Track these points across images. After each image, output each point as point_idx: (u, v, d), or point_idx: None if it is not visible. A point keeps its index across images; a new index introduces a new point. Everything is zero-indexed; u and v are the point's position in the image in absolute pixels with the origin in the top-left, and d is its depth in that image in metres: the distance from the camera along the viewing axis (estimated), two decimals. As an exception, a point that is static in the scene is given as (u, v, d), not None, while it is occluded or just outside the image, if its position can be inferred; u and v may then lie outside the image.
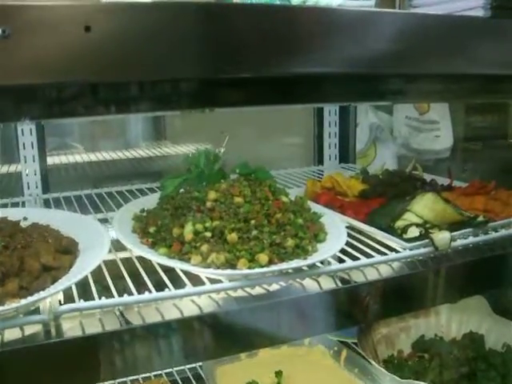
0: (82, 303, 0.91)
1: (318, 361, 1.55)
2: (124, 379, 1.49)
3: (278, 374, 1.43)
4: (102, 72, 0.72)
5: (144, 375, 1.52)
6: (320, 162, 2.05)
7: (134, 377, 1.50)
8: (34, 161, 1.64)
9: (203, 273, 1.01)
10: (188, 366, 1.64)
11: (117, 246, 1.12)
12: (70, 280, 0.92)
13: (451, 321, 1.70)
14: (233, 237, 1.04)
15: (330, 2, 0.98)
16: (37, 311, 0.90)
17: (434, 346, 1.62)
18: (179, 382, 1.61)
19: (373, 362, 1.40)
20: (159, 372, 1.56)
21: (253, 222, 1.07)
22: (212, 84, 0.84)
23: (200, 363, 1.55)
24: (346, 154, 2.06)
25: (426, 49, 0.95)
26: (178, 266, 1.02)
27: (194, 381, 1.61)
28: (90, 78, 0.72)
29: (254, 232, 1.06)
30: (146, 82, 0.77)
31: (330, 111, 2.01)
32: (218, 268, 1.00)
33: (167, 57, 0.76)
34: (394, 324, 1.64)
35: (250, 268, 1.00)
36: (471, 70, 1.00)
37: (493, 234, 1.26)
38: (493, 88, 1.09)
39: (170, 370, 1.60)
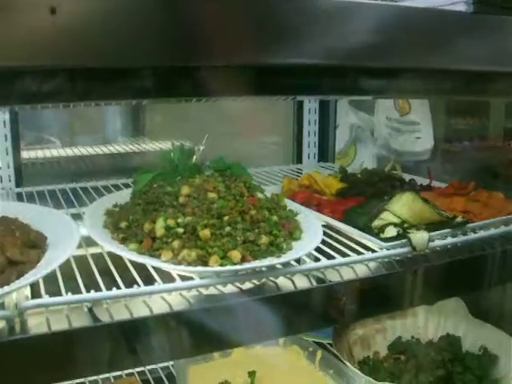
0: (47, 299, 0.88)
1: (292, 361, 1.54)
2: (95, 377, 1.48)
3: (251, 374, 1.41)
4: (66, 57, 0.69)
5: (115, 374, 1.50)
6: (299, 160, 2.05)
7: (105, 375, 1.48)
8: (7, 154, 1.61)
9: (174, 269, 0.99)
10: (160, 365, 1.62)
11: (89, 241, 1.09)
12: (36, 275, 0.89)
13: (428, 323, 1.69)
14: (205, 233, 1.01)
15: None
16: (2, 307, 0.87)
17: (411, 347, 1.61)
18: (151, 381, 1.58)
19: (348, 364, 1.39)
20: (131, 371, 1.54)
21: (226, 218, 1.05)
22: (181, 73, 0.82)
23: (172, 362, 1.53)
24: (325, 153, 2.06)
25: (407, 42, 0.93)
26: (148, 262, 1.00)
27: (166, 380, 1.59)
28: (53, 63, 0.70)
29: (228, 228, 1.03)
30: (111, 69, 0.75)
31: (310, 110, 2.01)
32: (190, 265, 0.97)
33: (135, 43, 0.73)
34: (370, 325, 1.63)
35: (221, 265, 0.97)
36: (452, 66, 0.98)
37: (471, 235, 1.25)
38: (474, 84, 1.08)
39: (143, 369, 1.58)
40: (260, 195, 1.15)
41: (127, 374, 1.54)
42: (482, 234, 1.26)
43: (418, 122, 2.13)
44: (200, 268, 0.97)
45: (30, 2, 0.65)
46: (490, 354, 1.57)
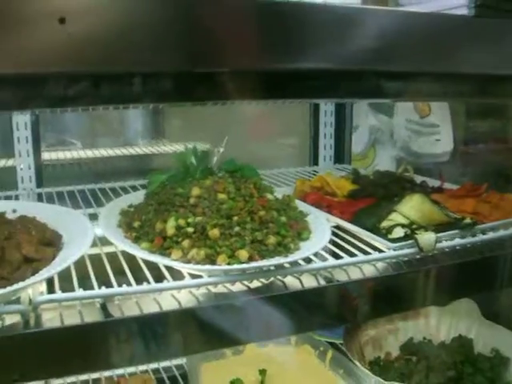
0: (60, 294, 0.92)
1: (303, 360, 1.55)
2: (110, 373, 1.51)
3: (262, 372, 1.43)
4: (77, 64, 0.72)
5: (130, 370, 1.53)
6: (315, 162, 2.06)
7: (120, 371, 1.51)
8: (28, 155, 1.64)
9: (183, 268, 1.01)
10: (175, 363, 1.64)
11: (104, 240, 1.12)
12: (50, 271, 0.92)
13: (440, 324, 1.69)
14: (214, 233, 1.04)
15: (316, -2, 0.98)
16: (17, 302, 0.90)
17: (423, 348, 1.62)
18: (165, 379, 1.61)
19: (358, 364, 1.40)
20: (145, 368, 1.56)
21: (235, 218, 1.07)
22: (193, 78, 0.84)
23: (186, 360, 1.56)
24: (341, 155, 2.07)
25: (410, 47, 0.94)
26: (158, 260, 1.02)
27: (180, 379, 1.61)
28: (65, 70, 0.72)
29: (236, 228, 1.05)
30: (122, 75, 0.78)
31: (326, 112, 2.02)
32: (198, 263, 1.00)
33: (144, 49, 0.76)
34: (382, 326, 1.64)
35: (229, 264, 1.00)
36: (455, 69, 0.99)
37: (480, 237, 1.25)
38: (479, 88, 1.09)
39: (157, 366, 1.61)
40: (269, 196, 1.18)
41: (142, 372, 1.56)
42: (491, 235, 1.27)
43: (437, 124, 2.13)
44: (208, 266, 1.00)
45: (41, 13, 0.68)
46: (501, 356, 1.57)
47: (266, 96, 0.96)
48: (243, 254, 1.01)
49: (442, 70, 0.99)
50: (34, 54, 0.69)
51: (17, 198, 1.52)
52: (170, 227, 1.05)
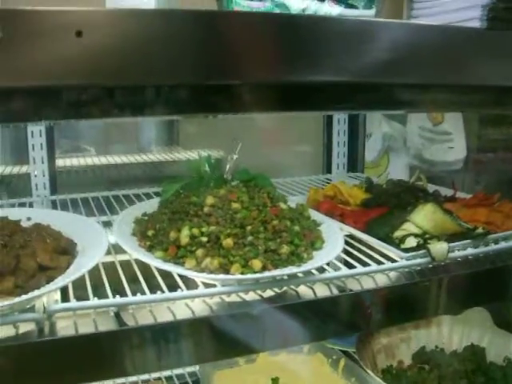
0: (74, 303, 0.93)
1: (315, 369, 1.55)
2: (123, 380, 1.52)
3: (275, 380, 1.43)
4: (93, 77, 0.73)
5: (143, 377, 1.54)
6: (328, 170, 2.06)
7: (133, 379, 1.52)
8: (42, 162, 1.65)
9: (197, 277, 1.02)
10: (188, 371, 1.65)
11: (117, 248, 1.13)
12: (64, 280, 0.93)
13: (453, 333, 1.69)
14: (228, 242, 1.04)
15: (330, 11, 0.99)
16: (32, 310, 0.91)
17: (435, 357, 1.62)
18: (178, 386, 1.61)
19: (370, 372, 1.40)
20: (158, 375, 1.57)
21: (249, 227, 1.08)
22: (206, 91, 0.85)
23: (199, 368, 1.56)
24: (354, 163, 2.06)
25: (424, 59, 0.95)
26: (172, 269, 1.03)
27: (193, 386, 1.61)
28: (81, 83, 0.74)
29: (250, 238, 1.06)
30: (136, 88, 0.79)
31: (339, 120, 2.02)
32: (212, 272, 1.00)
33: (159, 63, 0.77)
34: (395, 334, 1.64)
35: (242, 273, 1.00)
36: (468, 81, 1.00)
37: (493, 246, 1.25)
38: (493, 99, 1.09)
39: (170, 373, 1.61)
40: (283, 205, 1.18)
41: (155, 379, 1.57)
42: (503, 244, 1.27)
43: (450, 132, 2.13)
44: (222, 276, 1.00)
45: (59, 27, 0.69)
46: (514, 365, 1.57)
47: (280, 109, 0.96)
48: (257, 263, 1.01)
49: (455, 82, 0.99)
50: (52, 67, 0.70)
51: (31, 205, 1.53)
52: (184, 236, 1.06)
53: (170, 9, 0.79)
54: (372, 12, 1.03)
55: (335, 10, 0.99)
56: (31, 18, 0.68)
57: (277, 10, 0.97)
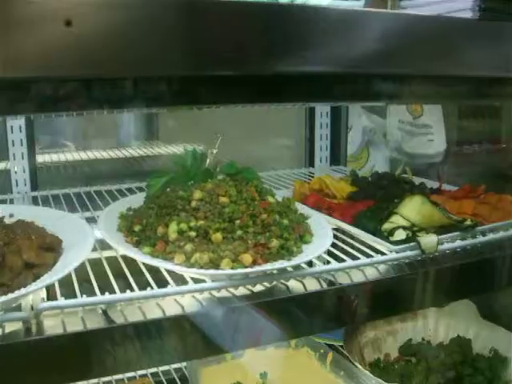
0: (62, 301, 0.90)
1: (303, 363, 1.55)
2: (109, 378, 1.50)
3: (263, 375, 1.43)
4: (82, 68, 0.71)
5: (129, 375, 1.52)
6: (311, 164, 2.05)
7: (119, 376, 1.50)
8: (22, 158, 1.63)
9: (186, 272, 1.01)
10: (174, 367, 1.64)
11: (103, 244, 1.11)
12: (51, 277, 0.91)
13: (439, 325, 1.70)
14: (217, 237, 1.03)
15: (319, 2, 0.97)
16: (18, 309, 0.89)
17: (421, 350, 1.62)
18: (164, 382, 1.60)
19: (358, 366, 1.40)
20: (144, 372, 1.55)
21: (238, 222, 1.07)
22: (195, 82, 0.84)
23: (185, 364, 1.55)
24: (337, 156, 2.06)
25: (414, 50, 0.94)
26: (161, 265, 1.02)
27: (179, 382, 1.60)
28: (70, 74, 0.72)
29: (239, 232, 1.05)
30: (127, 79, 0.77)
31: (322, 113, 2.02)
32: (202, 268, 0.99)
33: (149, 53, 0.75)
34: (381, 327, 1.64)
35: (233, 268, 0.99)
36: (459, 72, 0.99)
37: (480, 238, 1.26)
38: (482, 90, 1.09)
39: (156, 370, 1.60)
40: (271, 199, 1.17)
41: (141, 376, 1.55)
42: (491, 236, 1.27)
43: (430, 125, 2.13)
44: (212, 271, 0.99)
45: (47, 16, 0.67)
46: (500, 356, 1.58)
47: (265, 100, 0.95)
48: (247, 257, 1.00)
49: (446, 73, 0.99)
50: (41, 57, 0.69)
51: (11, 201, 1.51)
52: (172, 231, 1.05)
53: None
54: (361, 2, 1.02)
55: (325, 1, 0.97)
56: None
57: (265, 0, 0.96)
